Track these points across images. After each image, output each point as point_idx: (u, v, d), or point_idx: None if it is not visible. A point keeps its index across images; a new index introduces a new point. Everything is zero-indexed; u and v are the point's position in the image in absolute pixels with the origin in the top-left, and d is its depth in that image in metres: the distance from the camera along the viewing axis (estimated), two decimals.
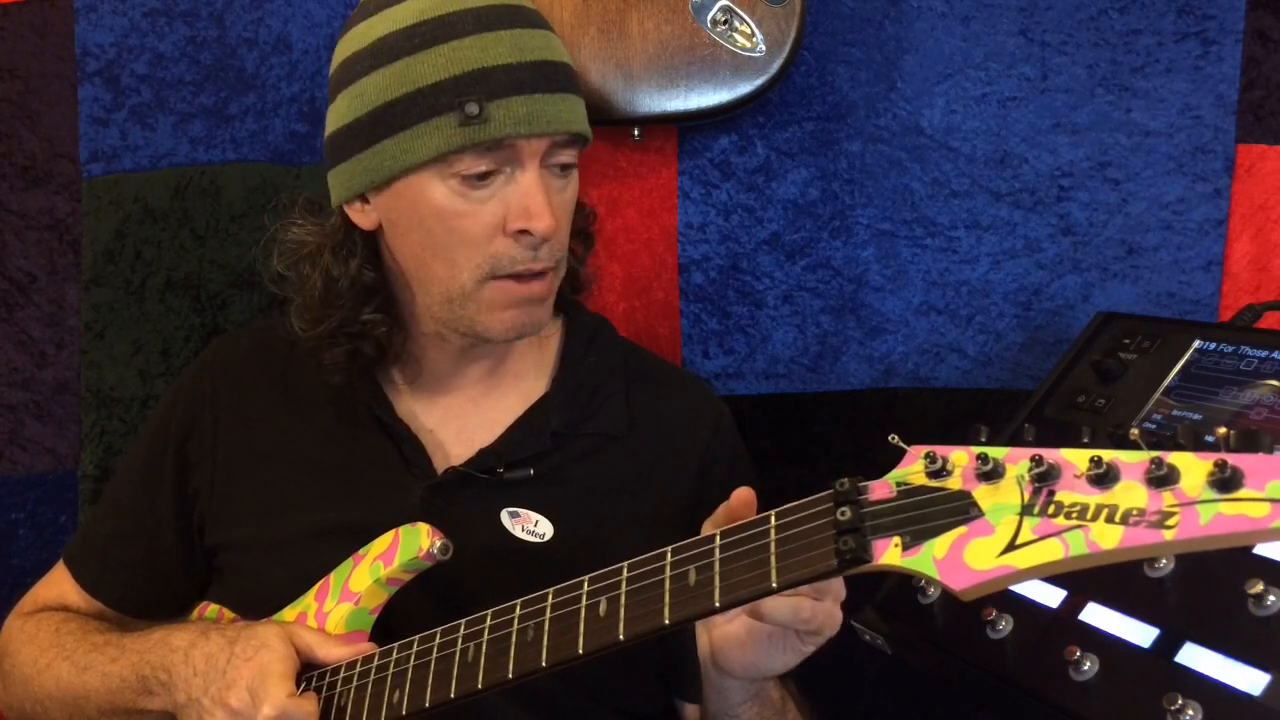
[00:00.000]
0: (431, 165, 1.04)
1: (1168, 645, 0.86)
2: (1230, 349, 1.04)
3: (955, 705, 1.42)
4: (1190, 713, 0.80)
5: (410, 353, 1.19)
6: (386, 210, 1.10)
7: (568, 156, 1.09)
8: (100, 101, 1.51)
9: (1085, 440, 0.69)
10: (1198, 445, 0.64)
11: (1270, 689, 0.79)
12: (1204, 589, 0.87)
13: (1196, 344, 1.07)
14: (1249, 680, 0.80)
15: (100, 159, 1.51)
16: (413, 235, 1.08)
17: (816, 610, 0.85)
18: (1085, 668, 0.87)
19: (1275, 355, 1.01)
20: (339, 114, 1.09)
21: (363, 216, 1.12)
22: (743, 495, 0.89)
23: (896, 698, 1.47)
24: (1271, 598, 0.82)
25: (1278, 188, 1.36)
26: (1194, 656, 0.84)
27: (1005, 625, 0.94)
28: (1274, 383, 0.99)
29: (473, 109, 1.01)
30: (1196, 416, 1.01)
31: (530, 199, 1.04)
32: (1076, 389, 1.12)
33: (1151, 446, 0.65)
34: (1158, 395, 1.05)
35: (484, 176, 1.04)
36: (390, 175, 1.06)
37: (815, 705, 1.17)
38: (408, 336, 1.18)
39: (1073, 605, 0.93)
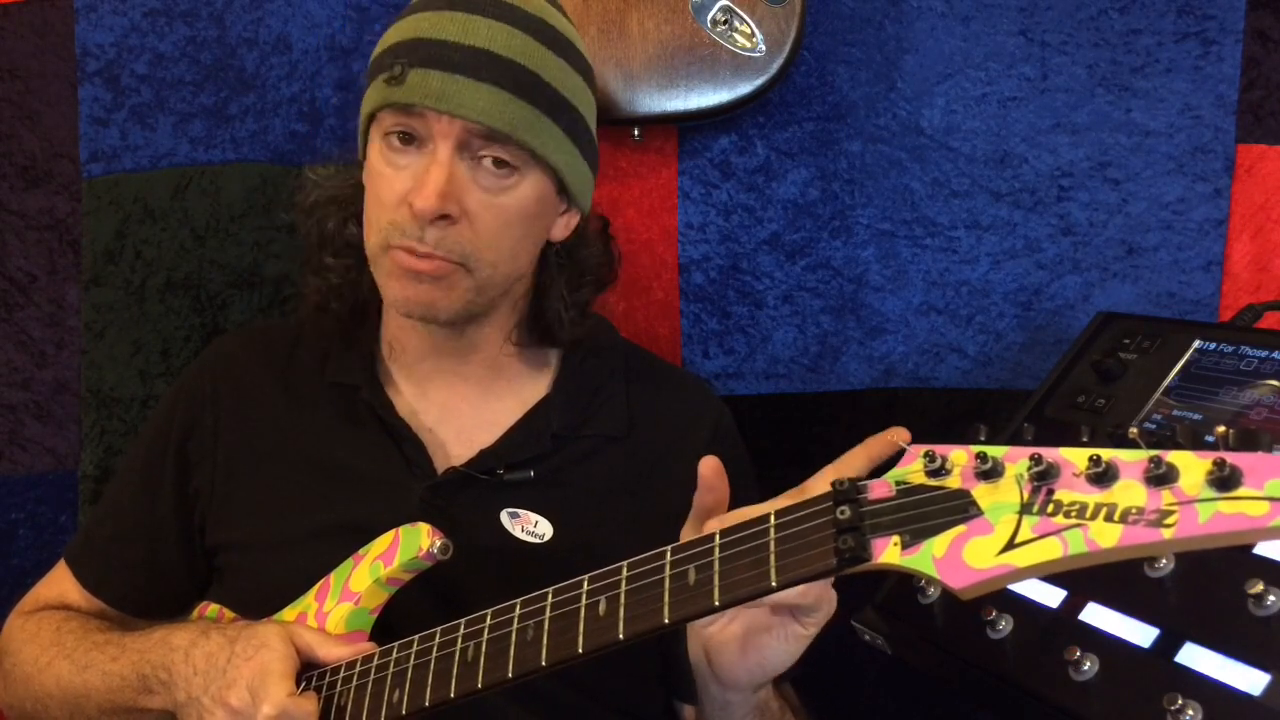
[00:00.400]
0: (374, 124, 1.10)
1: (1168, 645, 0.86)
2: (1230, 349, 1.04)
3: (955, 705, 1.43)
4: (1190, 713, 0.80)
5: (391, 333, 1.20)
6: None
7: (501, 152, 1.06)
8: (100, 101, 1.51)
9: (1085, 440, 0.69)
10: (1197, 445, 0.64)
11: (1270, 689, 0.79)
12: (1204, 589, 0.86)
13: (1196, 344, 1.07)
14: (1249, 680, 0.80)
15: (100, 159, 1.51)
16: (367, 195, 1.13)
17: (811, 585, 0.84)
18: (1085, 668, 0.87)
19: (1275, 355, 1.01)
20: None
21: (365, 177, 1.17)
22: (709, 463, 0.89)
23: (896, 698, 1.47)
24: (1271, 598, 0.82)
25: (1278, 188, 1.36)
26: (1194, 656, 0.84)
27: (1005, 625, 0.94)
28: (1274, 383, 0.99)
29: (396, 70, 1.05)
30: (1196, 416, 1.01)
31: (425, 175, 1.05)
32: (1076, 389, 1.12)
33: (1151, 446, 0.65)
34: (1158, 395, 1.05)
35: (404, 140, 1.07)
36: (360, 133, 1.14)
37: (815, 707, 1.17)
38: (385, 312, 1.21)
39: (1073, 605, 0.93)
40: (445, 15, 1.06)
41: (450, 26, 1.05)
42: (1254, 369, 1.01)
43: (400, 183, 1.06)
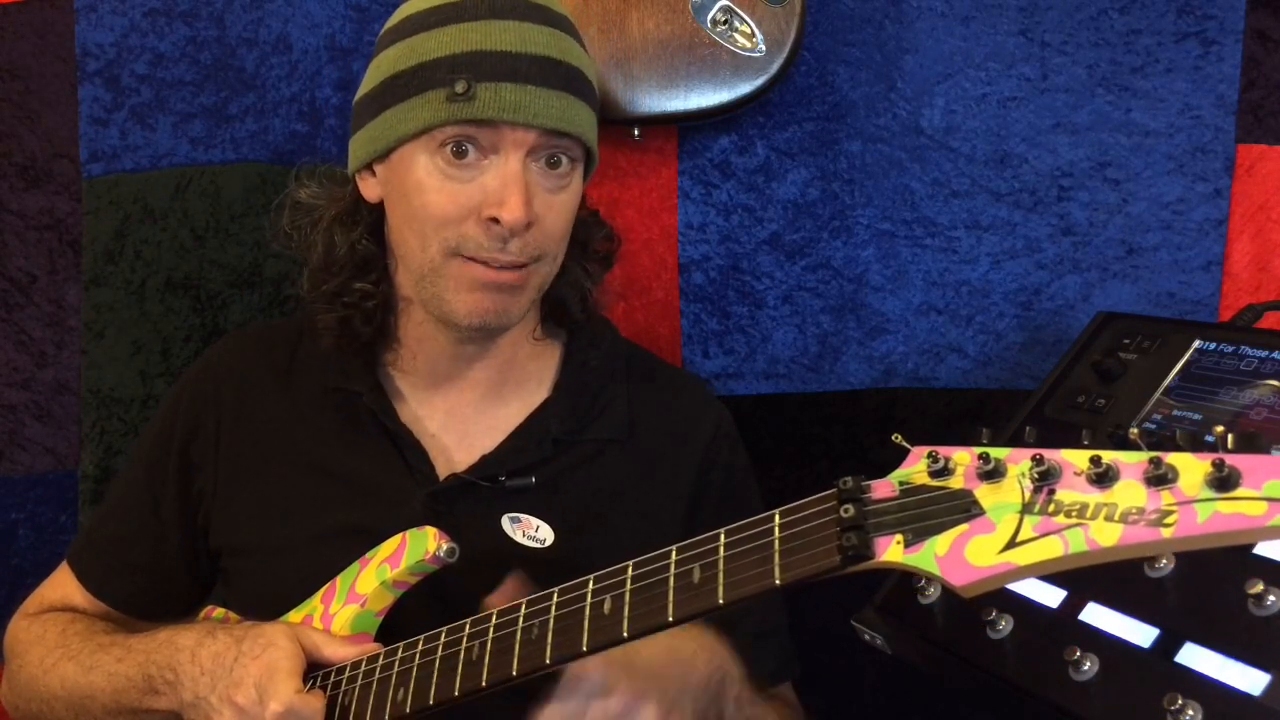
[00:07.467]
0: (421, 137, 1.06)
1: (1168, 645, 0.86)
2: (1230, 349, 1.04)
3: (955, 705, 1.43)
4: (1190, 713, 0.80)
5: (407, 344, 1.18)
6: (385, 182, 1.12)
7: (561, 154, 1.08)
8: (100, 101, 1.51)
9: (1086, 442, 0.69)
10: (1196, 446, 0.65)
11: (1270, 689, 0.79)
12: (1204, 589, 0.87)
13: (1196, 344, 1.07)
14: (1249, 680, 0.80)
15: (100, 159, 1.51)
16: (399, 207, 1.10)
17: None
18: (1085, 668, 0.87)
19: (1275, 355, 1.01)
20: (363, 84, 1.13)
21: (369, 188, 1.14)
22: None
23: (896, 698, 1.47)
24: (1271, 598, 0.82)
25: (1278, 188, 1.36)
26: (1194, 656, 0.84)
27: (1005, 625, 0.94)
28: (1274, 383, 0.99)
29: (460, 87, 1.03)
30: (1196, 416, 1.01)
31: (506, 188, 1.04)
32: (1076, 389, 1.12)
33: (1151, 447, 0.66)
34: (1158, 395, 1.05)
35: (463, 153, 1.04)
36: (388, 145, 1.08)
37: (815, 707, 1.16)
38: (401, 321, 1.18)
39: (1073, 605, 0.93)
40: (496, 25, 1.05)
41: (505, 36, 1.05)
42: (1254, 369, 1.01)
43: (466, 195, 1.05)
